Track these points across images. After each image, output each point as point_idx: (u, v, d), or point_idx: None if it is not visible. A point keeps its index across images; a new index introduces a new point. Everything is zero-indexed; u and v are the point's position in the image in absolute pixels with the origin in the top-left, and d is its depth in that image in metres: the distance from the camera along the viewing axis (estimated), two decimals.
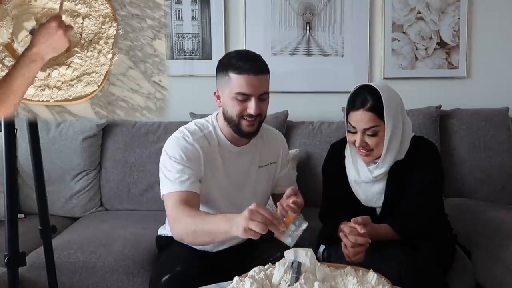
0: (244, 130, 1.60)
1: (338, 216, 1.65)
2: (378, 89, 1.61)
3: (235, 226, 1.30)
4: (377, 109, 1.60)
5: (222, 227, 1.35)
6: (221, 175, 1.66)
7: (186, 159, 1.58)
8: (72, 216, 2.41)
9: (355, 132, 1.64)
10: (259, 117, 1.60)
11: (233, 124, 1.60)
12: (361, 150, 1.65)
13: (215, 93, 1.64)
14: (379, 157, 1.66)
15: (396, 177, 1.68)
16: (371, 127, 1.61)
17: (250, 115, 1.57)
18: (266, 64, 1.60)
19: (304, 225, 1.31)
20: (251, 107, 1.55)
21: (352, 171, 1.73)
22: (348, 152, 1.76)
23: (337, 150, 1.82)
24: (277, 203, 1.43)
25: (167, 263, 1.59)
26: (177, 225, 1.50)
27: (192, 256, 1.60)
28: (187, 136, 1.62)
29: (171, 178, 1.57)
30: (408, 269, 1.49)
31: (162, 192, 1.60)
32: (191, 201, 1.54)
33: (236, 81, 1.54)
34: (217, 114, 1.71)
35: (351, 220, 1.52)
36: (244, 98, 1.55)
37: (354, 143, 1.65)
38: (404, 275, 1.46)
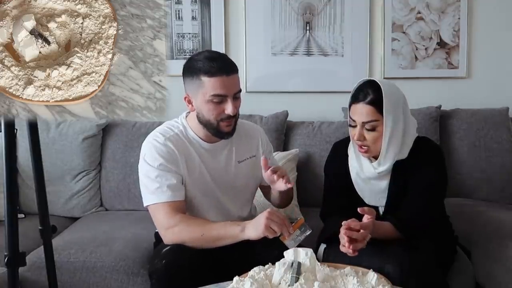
0: (223, 131, 1.62)
1: (339, 215, 1.64)
2: (380, 84, 1.61)
3: (252, 227, 1.46)
4: (377, 103, 1.60)
5: (232, 232, 1.48)
6: (200, 172, 1.67)
7: (165, 161, 1.60)
8: (72, 216, 2.41)
9: (355, 126, 1.64)
10: (235, 116, 1.62)
11: (211, 127, 1.62)
12: (360, 147, 1.65)
13: (185, 98, 1.64)
14: (378, 154, 1.65)
15: (399, 176, 1.68)
16: (369, 121, 1.61)
17: (228, 117, 1.58)
18: (235, 63, 1.62)
19: (308, 232, 1.46)
20: (228, 107, 1.57)
21: (355, 167, 1.72)
22: (351, 150, 1.75)
23: (339, 149, 1.81)
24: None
25: (166, 246, 1.60)
26: (175, 232, 1.54)
27: None
28: (158, 137, 1.64)
29: (155, 188, 1.59)
30: (409, 269, 1.48)
31: (148, 202, 1.62)
32: (182, 208, 1.59)
33: (210, 84, 1.55)
34: (186, 115, 1.72)
35: (357, 209, 1.51)
36: (220, 99, 1.56)
37: (354, 137, 1.65)
38: (404, 275, 1.46)
